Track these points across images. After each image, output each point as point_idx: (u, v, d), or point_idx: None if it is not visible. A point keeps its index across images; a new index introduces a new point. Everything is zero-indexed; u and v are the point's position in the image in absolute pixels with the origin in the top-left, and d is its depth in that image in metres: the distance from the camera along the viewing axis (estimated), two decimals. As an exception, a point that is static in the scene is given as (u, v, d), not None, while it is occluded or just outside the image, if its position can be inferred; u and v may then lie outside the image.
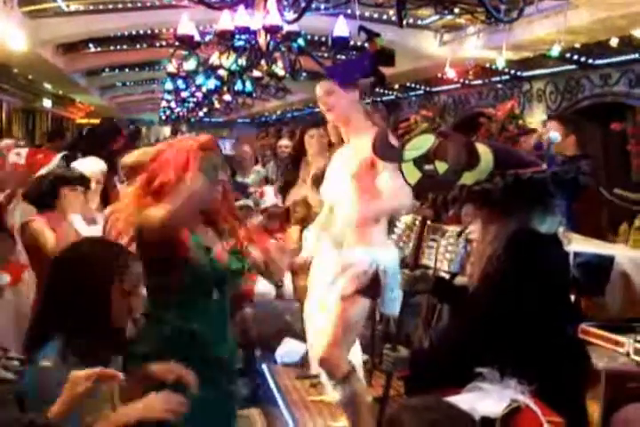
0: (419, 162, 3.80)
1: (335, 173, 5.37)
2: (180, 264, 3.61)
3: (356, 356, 5.60)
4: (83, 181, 5.96)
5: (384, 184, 4.90)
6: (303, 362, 7.24)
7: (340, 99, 5.13)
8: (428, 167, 3.78)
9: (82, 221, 5.97)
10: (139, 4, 12.48)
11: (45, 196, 5.75)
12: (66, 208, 5.77)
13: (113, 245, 2.99)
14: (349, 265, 5.09)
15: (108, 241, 3.05)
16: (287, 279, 8.14)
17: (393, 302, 5.04)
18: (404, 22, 6.03)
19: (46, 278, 2.93)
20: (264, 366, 7.37)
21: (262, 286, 8.23)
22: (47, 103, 24.32)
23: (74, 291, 2.77)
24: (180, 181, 3.55)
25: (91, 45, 15.81)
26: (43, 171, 6.43)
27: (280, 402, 6.59)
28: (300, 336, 7.46)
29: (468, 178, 3.60)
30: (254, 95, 15.56)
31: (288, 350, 7.53)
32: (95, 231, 5.60)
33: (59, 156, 6.61)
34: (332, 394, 5.48)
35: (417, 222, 4.94)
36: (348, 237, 5.18)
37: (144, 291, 3.13)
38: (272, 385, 6.99)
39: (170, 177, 3.60)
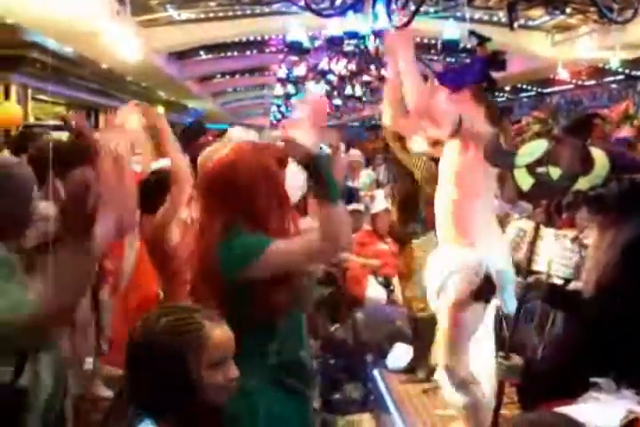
0: (532, 167, 3.75)
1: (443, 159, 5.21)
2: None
3: (479, 362, 5.42)
4: None
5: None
6: (412, 367, 7.22)
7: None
8: (541, 171, 3.73)
9: None
10: (248, 12, 12.62)
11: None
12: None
13: (189, 317, 2.55)
14: (457, 267, 4.92)
15: (185, 311, 2.58)
16: (397, 284, 8.14)
17: (511, 300, 4.90)
18: (515, 24, 5.93)
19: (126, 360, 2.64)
20: (375, 372, 7.36)
21: (374, 291, 8.24)
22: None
23: (153, 375, 2.51)
24: None
25: (202, 52, 16.05)
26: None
27: (391, 407, 6.57)
28: (411, 341, 7.45)
29: (582, 183, 3.54)
30: (364, 99, 15.56)
31: (399, 355, 7.50)
32: None
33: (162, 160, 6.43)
34: (450, 400, 5.38)
35: (530, 227, 4.83)
36: (449, 235, 5.04)
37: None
38: (383, 390, 6.98)
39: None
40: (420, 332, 7.14)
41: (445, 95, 4.98)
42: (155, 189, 4.85)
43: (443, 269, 5.05)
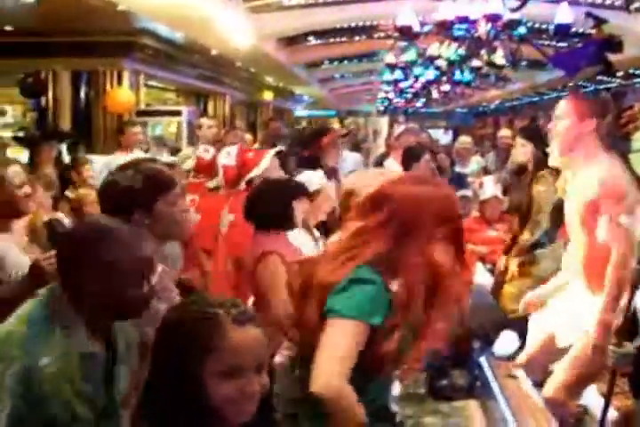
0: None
1: (568, 204, 4.77)
2: None
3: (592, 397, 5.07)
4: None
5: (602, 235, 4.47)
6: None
7: (569, 125, 4.56)
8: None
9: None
10: (358, -4, 12.63)
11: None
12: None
13: (208, 313, 2.17)
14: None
15: (208, 305, 2.20)
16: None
17: None
18: (632, 7, 5.80)
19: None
20: (482, 358, 7.30)
21: (481, 278, 8.17)
22: (268, 96, 24.92)
23: (163, 373, 2.19)
24: None
25: (311, 38, 16.10)
26: (255, 172, 6.12)
27: (497, 395, 6.51)
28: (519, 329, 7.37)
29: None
30: (473, 85, 15.44)
31: (506, 342, 7.42)
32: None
33: (271, 152, 6.25)
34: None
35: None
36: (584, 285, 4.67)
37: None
38: (490, 377, 6.92)
39: None
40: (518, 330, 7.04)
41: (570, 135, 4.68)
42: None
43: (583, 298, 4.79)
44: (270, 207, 4.64)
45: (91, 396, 2.52)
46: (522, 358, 5.28)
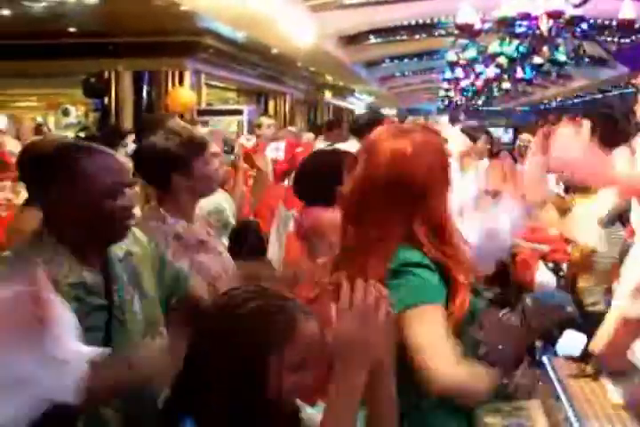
0: None
1: None
2: None
3: None
4: None
5: None
6: (582, 356, 7.04)
7: None
8: None
9: None
10: (418, -6, 12.57)
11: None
12: None
13: (281, 306, 2.07)
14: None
15: (276, 298, 2.10)
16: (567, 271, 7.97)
17: None
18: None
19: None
20: (545, 358, 7.23)
21: (543, 277, 8.09)
22: (328, 95, 24.94)
23: (222, 367, 2.02)
24: None
25: (371, 36, 16.06)
26: None
27: (561, 395, 6.44)
28: (582, 329, 7.26)
29: None
30: (534, 82, 15.31)
31: (569, 342, 7.33)
32: None
33: (319, 146, 6.24)
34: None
35: None
36: None
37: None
38: (552, 377, 6.85)
39: None
40: (593, 328, 6.92)
41: None
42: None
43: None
44: (322, 181, 3.93)
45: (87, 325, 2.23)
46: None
